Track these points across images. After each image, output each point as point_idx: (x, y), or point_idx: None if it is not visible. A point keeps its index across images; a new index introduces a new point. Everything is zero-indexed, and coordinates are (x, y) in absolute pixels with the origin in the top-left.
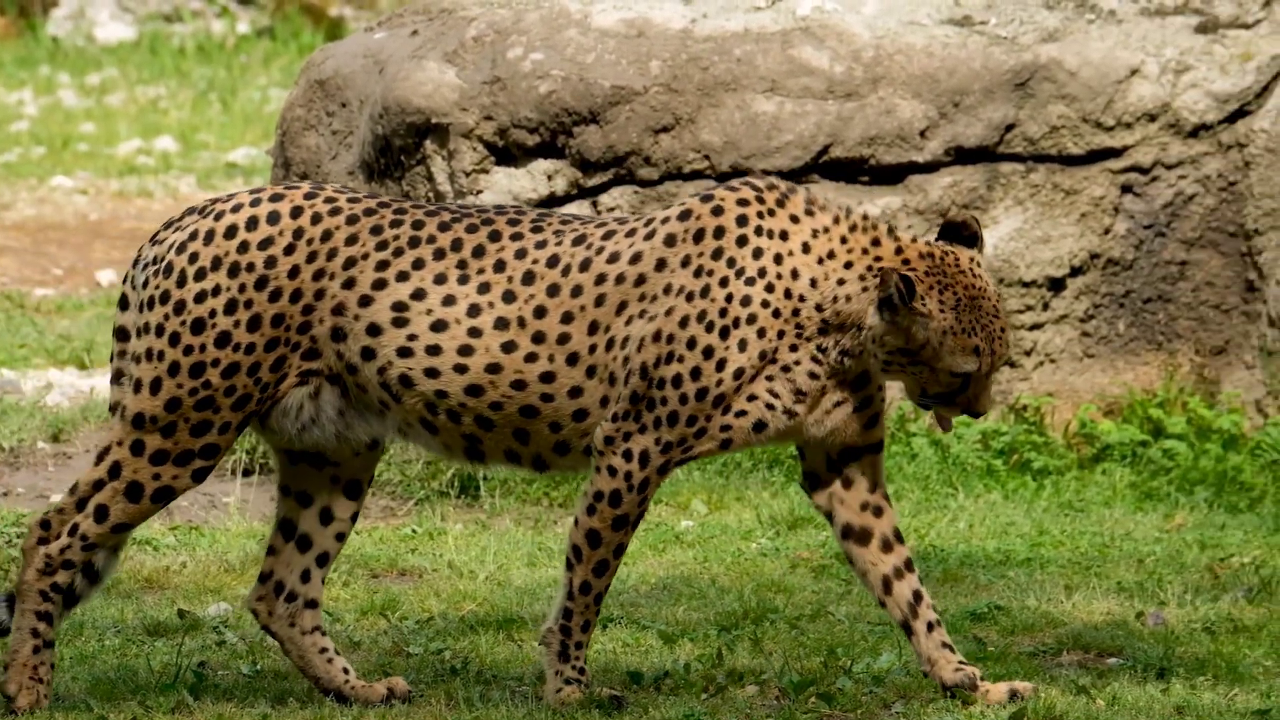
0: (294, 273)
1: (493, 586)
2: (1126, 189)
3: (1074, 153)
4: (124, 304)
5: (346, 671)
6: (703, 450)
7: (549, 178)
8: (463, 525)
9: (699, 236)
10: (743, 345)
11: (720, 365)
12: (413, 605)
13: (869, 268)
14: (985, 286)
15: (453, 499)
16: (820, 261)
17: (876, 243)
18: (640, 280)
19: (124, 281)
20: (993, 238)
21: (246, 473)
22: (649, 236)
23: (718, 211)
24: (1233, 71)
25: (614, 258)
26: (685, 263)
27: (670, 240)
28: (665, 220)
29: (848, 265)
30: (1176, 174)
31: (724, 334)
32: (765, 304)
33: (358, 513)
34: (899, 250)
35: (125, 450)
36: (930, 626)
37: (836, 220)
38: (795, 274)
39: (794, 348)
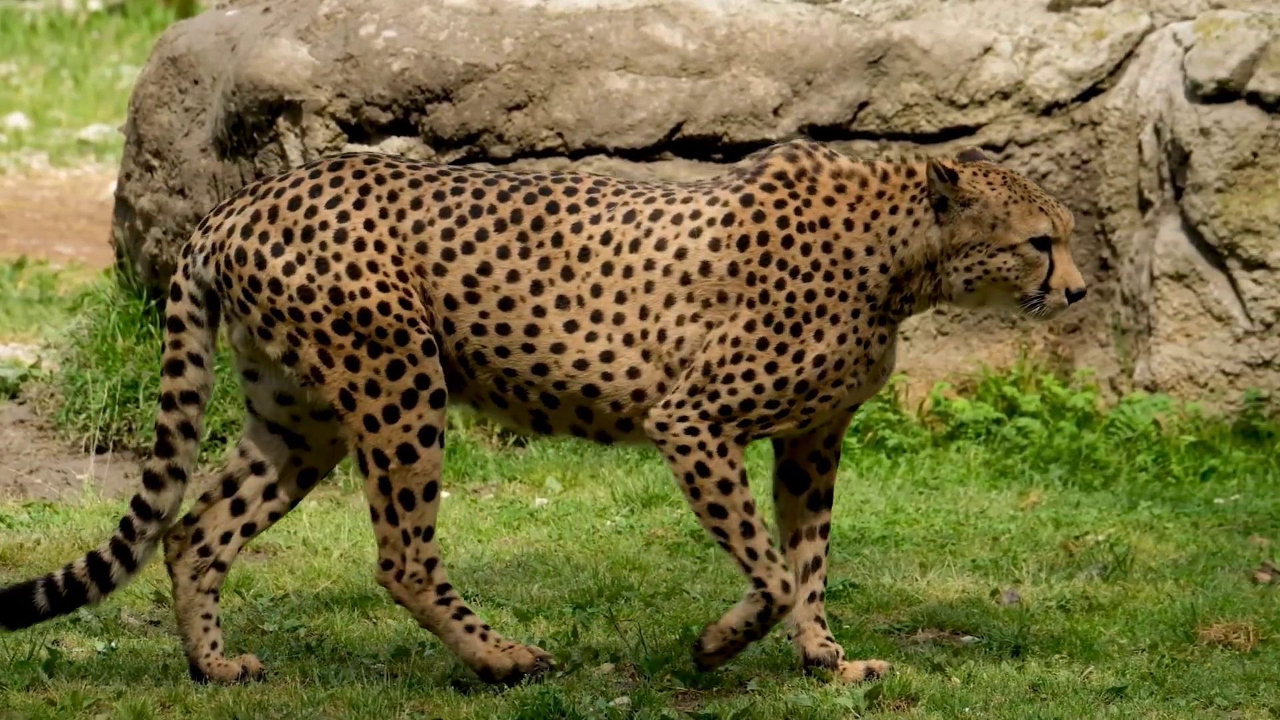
0: (370, 225)
1: (347, 564)
2: None
3: (927, 131)
4: (176, 294)
5: (214, 646)
6: (784, 428)
7: (401, 155)
8: (317, 503)
9: (743, 244)
10: (819, 335)
11: (799, 357)
12: (267, 582)
13: (913, 198)
14: (1019, 174)
15: None
16: (867, 228)
17: (911, 173)
18: (685, 279)
19: (175, 271)
20: None
21: (100, 449)
22: (694, 235)
23: (759, 218)
24: (1085, 49)
25: (661, 245)
26: (734, 271)
27: (715, 245)
28: (711, 222)
29: (893, 211)
30: (1030, 152)
31: (795, 331)
32: (830, 292)
33: (298, 501)
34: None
35: (370, 436)
36: (813, 596)
37: (865, 183)
38: (849, 254)
39: (871, 321)
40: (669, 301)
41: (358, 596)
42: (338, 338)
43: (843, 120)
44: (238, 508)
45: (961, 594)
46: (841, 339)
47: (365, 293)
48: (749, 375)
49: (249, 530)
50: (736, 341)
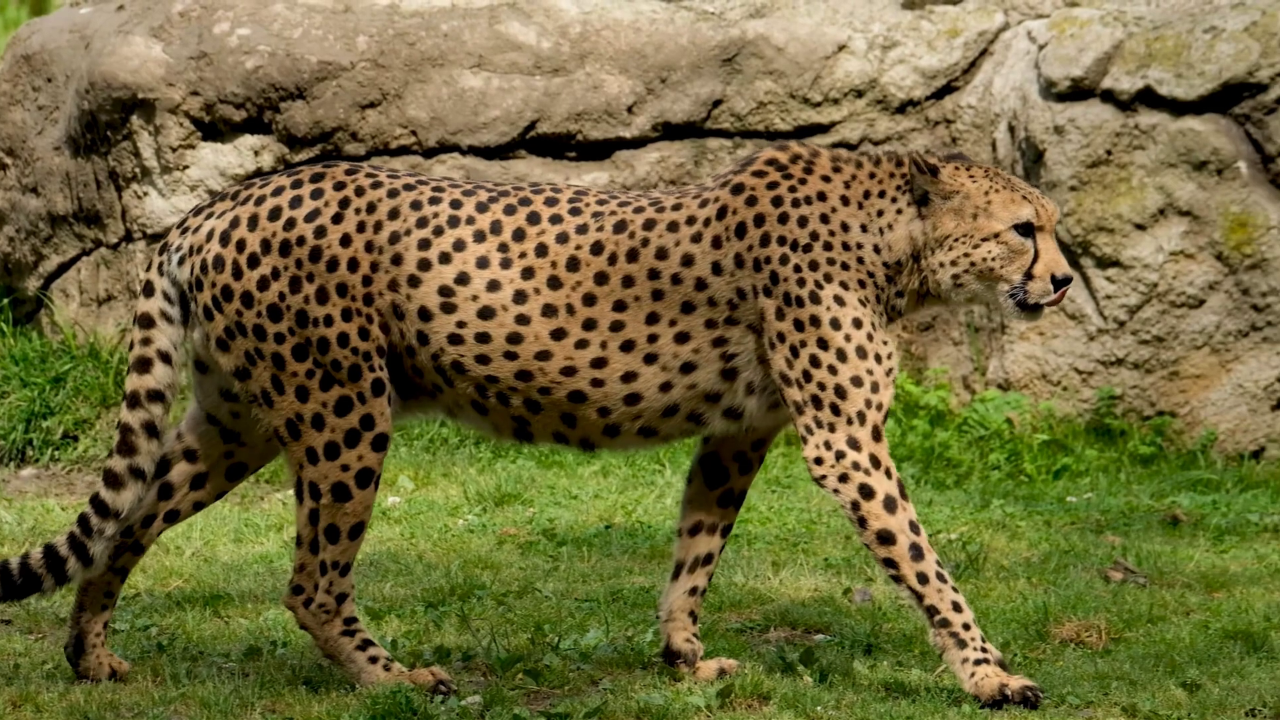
0: (346, 241)
1: (199, 563)
2: None
3: (781, 129)
4: (149, 290)
5: (105, 626)
6: (888, 397)
7: (255, 153)
8: None
9: (741, 231)
10: (840, 301)
11: (835, 324)
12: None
13: (899, 188)
14: (1002, 169)
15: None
16: (861, 206)
17: (899, 163)
18: (701, 285)
19: (148, 268)
20: None
21: None
22: (695, 240)
23: (752, 202)
24: (940, 48)
25: (662, 254)
26: (740, 263)
27: (717, 242)
28: (707, 222)
29: (881, 195)
30: (884, 150)
31: (836, 301)
32: (832, 261)
33: (224, 494)
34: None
35: (308, 465)
36: (694, 590)
37: (860, 165)
38: (846, 227)
39: (865, 301)
40: (688, 308)
41: (209, 595)
42: (294, 364)
43: (697, 118)
44: (164, 491)
45: (814, 592)
46: (864, 301)
47: (329, 320)
48: (834, 369)
49: (172, 517)
50: (782, 336)
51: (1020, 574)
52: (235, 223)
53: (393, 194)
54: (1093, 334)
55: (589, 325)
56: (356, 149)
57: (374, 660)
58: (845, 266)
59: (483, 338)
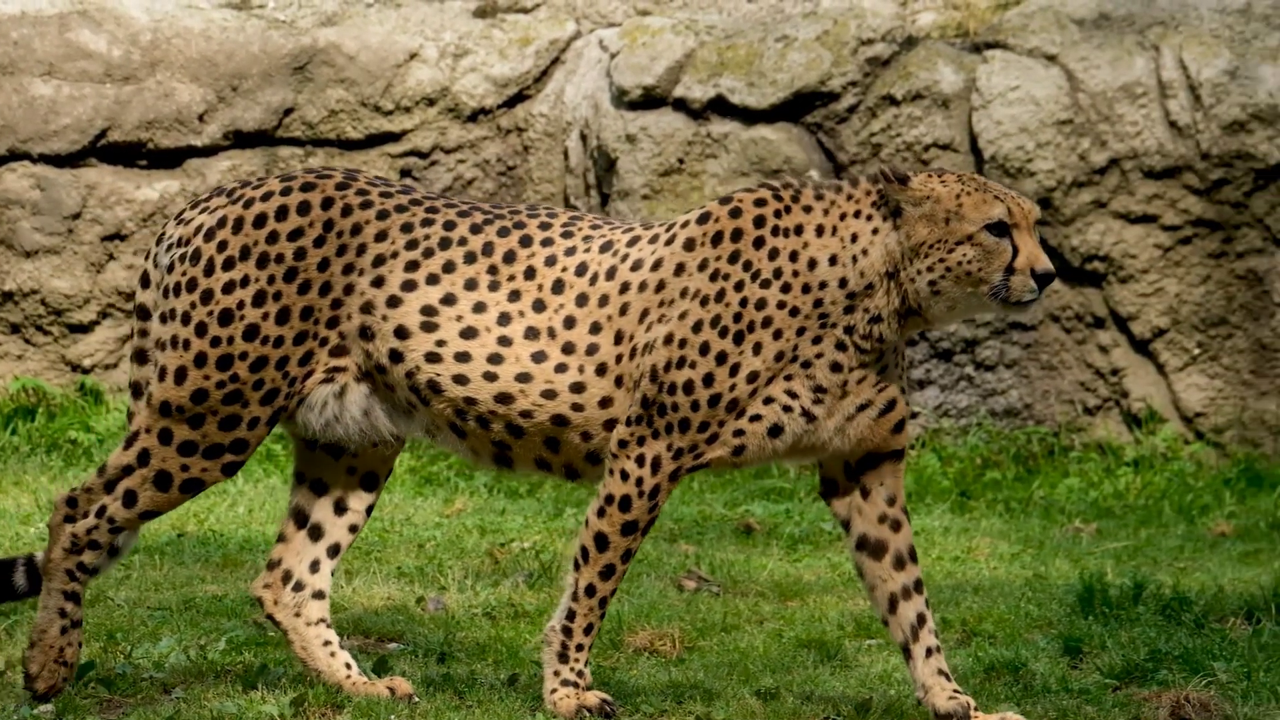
0: (323, 265)
1: None
2: (405, 173)
3: (353, 137)
4: (145, 281)
5: (349, 666)
6: (714, 456)
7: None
8: None
9: (717, 239)
10: (757, 349)
11: (734, 370)
12: None
13: (874, 204)
14: (978, 175)
15: None
16: (834, 232)
17: (875, 180)
18: (660, 286)
19: (145, 258)
20: None
21: None
22: (669, 242)
23: (736, 214)
24: (512, 56)
25: (637, 265)
26: (702, 266)
27: (689, 244)
28: (685, 224)
29: (856, 215)
30: (456, 159)
31: (738, 338)
32: (781, 305)
33: (373, 505)
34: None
35: (153, 438)
36: (929, 652)
37: (839, 190)
38: (813, 264)
39: (817, 339)
40: (643, 316)
41: None
42: (213, 370)
43: (269, 127)
44: (315, 533)
45: (387, 601)
46: (778, 356)
47: (279, 341)
48: (689, 386)
49: (335, 551)
50: (684, 343)
51: None
52: (223, 223)
53: (382, 215)
54: None
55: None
56: None
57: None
58: (794, 312)
59: (462, 357)
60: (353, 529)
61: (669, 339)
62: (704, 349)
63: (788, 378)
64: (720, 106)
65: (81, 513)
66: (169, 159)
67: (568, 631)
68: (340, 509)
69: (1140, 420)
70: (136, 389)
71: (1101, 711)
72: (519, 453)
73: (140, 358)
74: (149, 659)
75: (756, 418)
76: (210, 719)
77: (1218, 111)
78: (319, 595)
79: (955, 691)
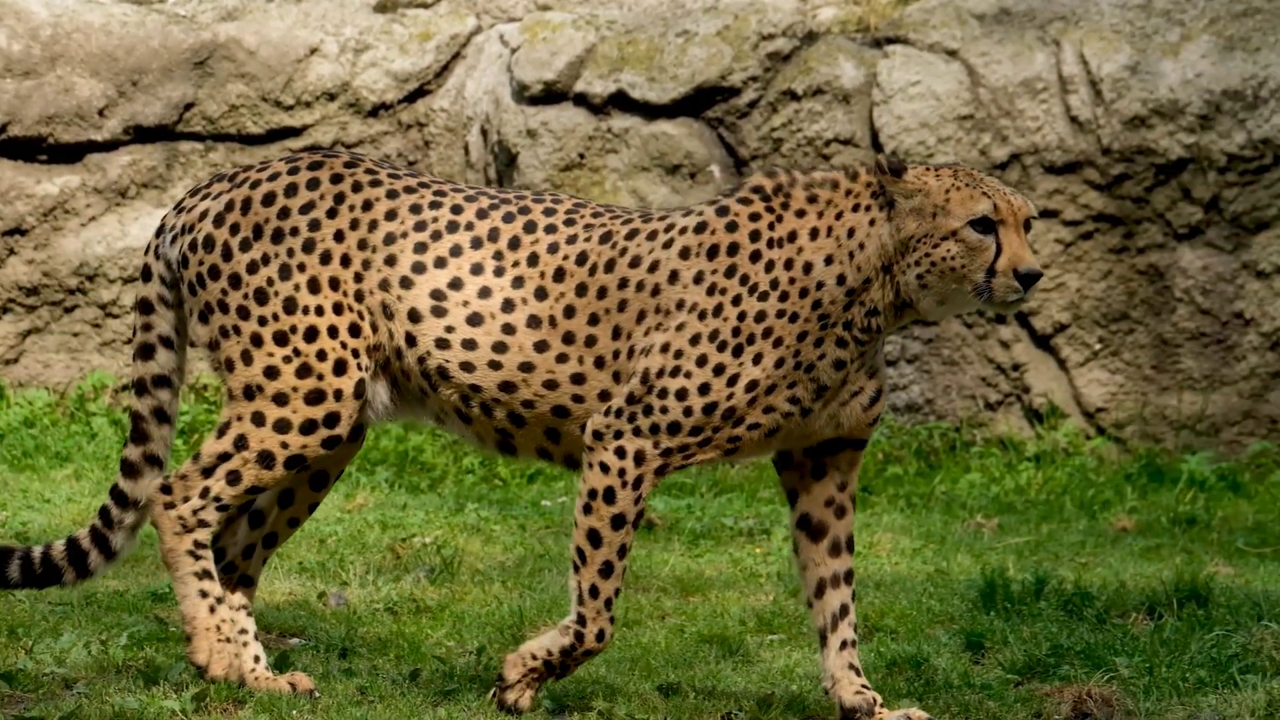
0: (339, 237)
1: None
2: None
3: (254, 132)
4: (146, 275)
5: (257, 659)
6: (706, 458)
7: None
8: None
9: (713, 252)
10: (757, 359)
11: (732, 381)
12: None
13: (872, 195)
14: (975, 170)
15: None
16: (830, 232)
17: (870, 171)
18: (656, 290)
19: (145, 251)
20: None
21: None
22: (667, 245)
23: (732, 228)
24: (412, 51)
25: (635, 262)
26: (698, 279)
27: (685, 253)
28: (683, 230)
29: (854, 209)
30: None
31: (737, 351)
32: (781, 313)
33: (317, 504)
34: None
35: (247, 423)
36: (844, 644)
37: (836, 185)
38: (809, 268)
39: (819, 342)
40: (640, 317)
41: None
42: (274, 347)
43: (169, 121)
44: (256, 519)
45: (289, 597)
46: (779, 363)
47: (320, 310)
48: (682, 393)
49: (271, 541)
50: (680, 354)
51: (495, 578)
52: (230, 206)
53: (391, 195)
54: None
55: (568, 339)
56: None
57: (204, 595)
58: (794, 318)
59: (469, 344)
60: (292, 523)
61: (665, 347)
62: (701, 361)
63: (791, 385)
64: (621, 101)
65: (181, 498)
66: (69, 153)
67: (580, 637)
68: (285, 502)
69: (1042, 416)
70: (140, 386)
71: (1003, 707)
72: (521, 441)
73: (144, 353)
74: (50, 654)
75: (755, 425)
76: (112, 714)
77: (1119, 107)
78: (246, 581)
79: (863, 687)
